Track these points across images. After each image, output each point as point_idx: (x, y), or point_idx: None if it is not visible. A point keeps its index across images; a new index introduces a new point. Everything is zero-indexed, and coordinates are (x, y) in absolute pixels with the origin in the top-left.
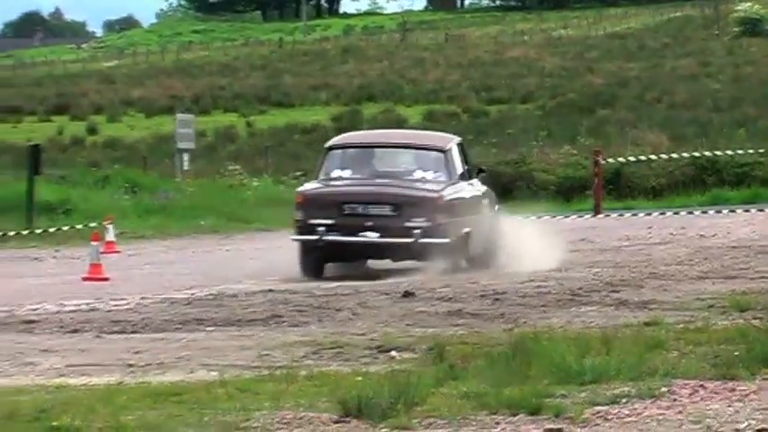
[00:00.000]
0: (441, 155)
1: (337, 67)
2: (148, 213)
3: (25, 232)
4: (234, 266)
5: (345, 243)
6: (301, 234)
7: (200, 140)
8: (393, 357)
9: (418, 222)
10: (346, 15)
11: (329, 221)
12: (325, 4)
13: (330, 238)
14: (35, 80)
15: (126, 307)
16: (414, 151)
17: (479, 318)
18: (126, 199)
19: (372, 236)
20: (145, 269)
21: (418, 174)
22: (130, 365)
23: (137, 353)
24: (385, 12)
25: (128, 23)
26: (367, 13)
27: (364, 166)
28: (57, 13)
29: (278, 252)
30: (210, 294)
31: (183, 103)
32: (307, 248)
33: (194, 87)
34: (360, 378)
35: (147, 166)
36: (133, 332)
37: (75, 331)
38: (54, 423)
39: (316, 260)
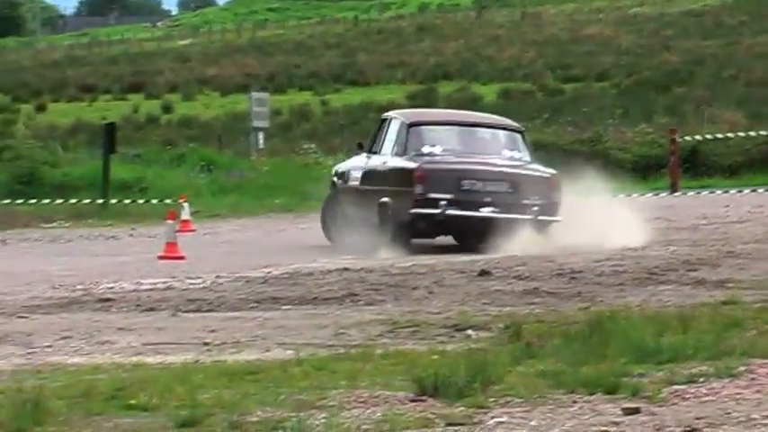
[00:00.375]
0: (520, 136)
1: (413, 45)
2: (223, 192)
3: (101, 211)
4: (308, 245)
5: (467, 218)
6: (420, 207)
7: (274, 119)
8: (469, 336)
9: (535, 200)
10: None
11: (449, 196)
12: None
13: (452, 212)
14: (110, 59)
15: (201, 285)
16: (498, 131)
17: (556, 296)
18: (201, 177)
19: (489, 211)
20: (220, 248)
21: (506, 153)
22: (206, 344)
23: (212, 331)
24: None
25: (203, 2)
26: None
27: (453, 144)
28: None
29: None
30: (286, 273)
31: (257, 81)
32: (423, 222)
33: (269, 66)
34: (436, 357)
35: (222, 145)
36: (209, 311)
37: (151, 310)
38: (131, 401)
39: (419, 233)
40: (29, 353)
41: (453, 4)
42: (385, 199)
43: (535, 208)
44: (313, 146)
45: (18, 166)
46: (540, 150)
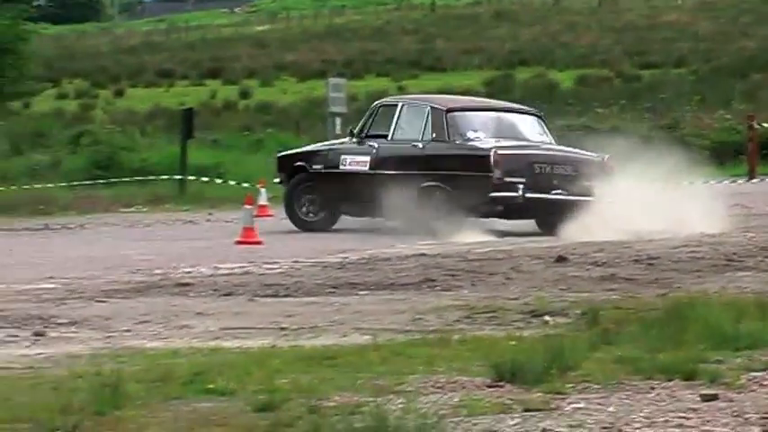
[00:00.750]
0: (543, 120)
1: (490, 32)
2: None
3: (179, 196)
4: (385, 231)
5: (543, 200)
6: (499, 191)
7: (351, 104)
8: (546, 322)
9: (594, 182)
10: None
11: (524, 180)
12: None
13: (531, 195)
14: (188, 44)
15: (279, 270)
16: (525, 116)
17: (633, 282)
18: None
19: (559, 194)
20: (297, 233)
21: (536, 137)
22: (283, 329)
23: (290, 316)
24: None
25: None
26: None
27: (490, 129)
28: None
29: None
30: (363, 258)
31: (335, 67)
32: (501, 205)
33: (346, 51)
34: (513, 342)
35: (300, 131)
36: (286, 296)
37: (228, 294)
38: (209, 386)
39: (491, 216)
40: (107, 337)
41: None
42: (433, 183)
43: (595, 190)
44: None
45: (97, 152)
46: (618, 136)
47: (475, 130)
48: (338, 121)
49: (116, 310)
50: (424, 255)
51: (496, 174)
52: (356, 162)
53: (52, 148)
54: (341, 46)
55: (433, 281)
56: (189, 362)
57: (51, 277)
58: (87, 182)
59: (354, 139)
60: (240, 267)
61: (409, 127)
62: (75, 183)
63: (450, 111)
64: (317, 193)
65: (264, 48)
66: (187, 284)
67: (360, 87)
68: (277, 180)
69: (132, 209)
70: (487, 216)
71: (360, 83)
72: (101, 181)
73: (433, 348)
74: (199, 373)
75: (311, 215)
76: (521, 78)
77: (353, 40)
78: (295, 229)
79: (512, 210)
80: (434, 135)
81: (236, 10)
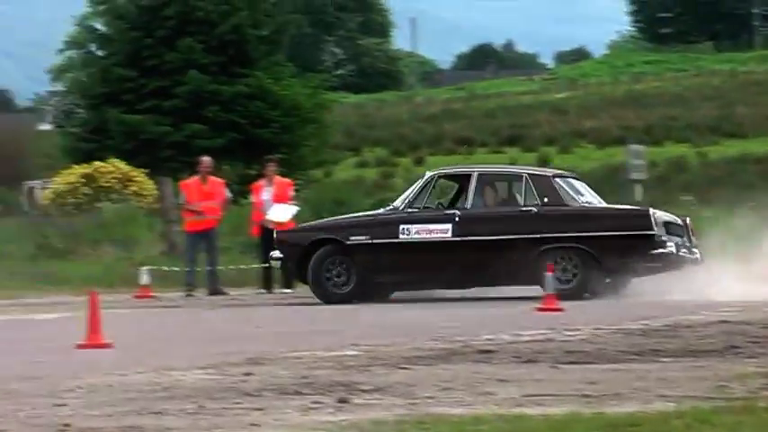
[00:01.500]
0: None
1: None
2: None
3: None
4: (685, 298)
5: (684, 258)
6: (660, 248)
7: (651, 171)
8: None
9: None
10: None
11: (675, 238)
12: None
13: (683, 253)
14: (487, 112)
15: (580, 337)
16: (577, 180)
17: None
18: None
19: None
20: (598, 301)
21: (594, 197)
22: (586, 396)
23: (592, 383)
24: None
25: (579, 55)
26: None
27: (578, 192)
28: (509, 46)
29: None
30: (665, 325)
31: (634, 133)
32: (658, 262)
33: (646, 118)
34: None
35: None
36: (588, 362)
37: (530, 361)
38: None
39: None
40: (410, 403)
41: None
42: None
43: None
44: (690, 197)
45: None
46: None
47: (578, 193)
48: (638, 187)
49: (419, 376)
50: (726, 322)
51: (658, 231)
52: (428, 230)
53: None
54: (640, 112)
55: (737, 347)
56: (492, 428)
57: (354, 344)
58: None
59: (403, 209)
60: (541, 334)
61: (491, 196)
62: None
63: (556, 177)
64: (354, 266)
65: (563, 114)
66: (489, 351)
67: (659, 153)
68: (274, 257)
69: None
70: (640, 275)
71: (659, 149)
72: None
73: (738, 416)
74: None
75: (344, 287)
76: None
77: (653, 106)
78: (593, 296)
79: (667, 266)
80: (548, 199)
81: (535, 77)
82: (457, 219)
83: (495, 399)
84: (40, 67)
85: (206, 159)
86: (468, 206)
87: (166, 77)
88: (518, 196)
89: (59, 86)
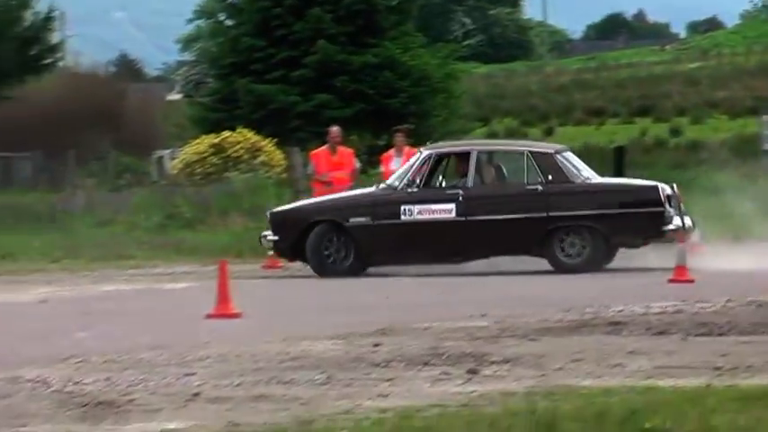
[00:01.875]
0: None
1: None
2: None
3: None
4: None
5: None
6: (669, 224)
7: None
8: None
9: None
10: None
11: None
12: None
13: (689, 224)
14: (618, 82)
15: (712, 309)
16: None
17: None
18: None
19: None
20: (732, 272)
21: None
22: (718, 368)
23: (723, 355)
24: None
25: (711, 24)
26: None
27: (582, 167)
28: (640, 15)
29: None
30: None
31: (767, 104)
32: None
33: None
34: None
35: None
36: (719, 335)
37: (661, 333)
38: (645, 424)
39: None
40: (541, 375)
41: None
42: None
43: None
44: None
45: None
46: None
47: (581, 168)
48: None
49: (548, 348)
50: None
51: (667, 207)
52: (431, 211)
53: None
54: None
55: None
56: (623, 400)
57: (485, 315)
58: None
59: (402, 189)
60: (673, 306)
61: (494, 172)
62: None
63: (557, 152)
64: (354, 247)
65: (695, 85)
66: (619, 323)
67: None
68: (268, 239)
69: None
70: (636, 247)
71: None
72: None
73: None
74: (634, 412)
75: (343, 262)
76: None
77: None
78: (724, 268)
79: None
80: (552, 177)
81: (667, 47)
82: (460, 198)
83: (625, 371)
84: (170, 36)
85: (335, 129)
86: (470, 185)
87: (295, 47)
88: (520, 173)
89: (188, 56)
